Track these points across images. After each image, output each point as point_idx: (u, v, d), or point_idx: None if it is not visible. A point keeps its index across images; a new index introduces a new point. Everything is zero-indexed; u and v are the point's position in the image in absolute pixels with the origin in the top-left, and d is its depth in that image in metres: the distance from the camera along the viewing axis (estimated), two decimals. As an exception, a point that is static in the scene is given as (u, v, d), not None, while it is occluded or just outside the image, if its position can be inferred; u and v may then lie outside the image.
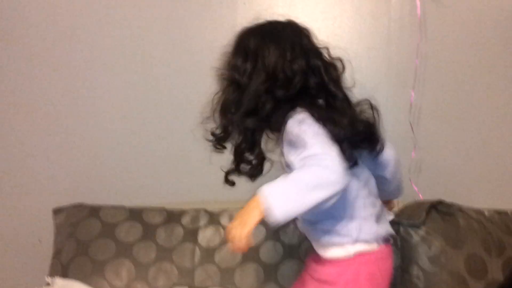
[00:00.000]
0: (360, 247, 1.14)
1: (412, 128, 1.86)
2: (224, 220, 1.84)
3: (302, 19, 1.85)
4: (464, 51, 1.87)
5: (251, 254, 1.75)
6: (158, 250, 1.79)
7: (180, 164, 2.01)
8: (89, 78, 1.97)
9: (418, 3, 1.81)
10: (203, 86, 1.87)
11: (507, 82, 1.87)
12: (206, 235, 1.82)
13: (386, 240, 1.22)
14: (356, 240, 1.13)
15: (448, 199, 1.84)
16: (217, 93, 1.21)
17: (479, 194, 1.94)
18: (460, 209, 1.80)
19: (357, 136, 1.12)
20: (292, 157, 1.07)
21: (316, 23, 1.86)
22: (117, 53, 1.94)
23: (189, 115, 1.92)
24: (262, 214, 1.02)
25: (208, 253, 1.78)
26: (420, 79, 1.87)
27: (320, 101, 1.15)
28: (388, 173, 1.34)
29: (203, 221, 1.85)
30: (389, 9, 1.85)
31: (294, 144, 1.07)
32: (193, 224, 1.84)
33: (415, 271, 1.69)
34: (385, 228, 1.23)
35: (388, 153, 1.30)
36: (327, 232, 1.15)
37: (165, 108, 1.97)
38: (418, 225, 1.72)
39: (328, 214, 1.12)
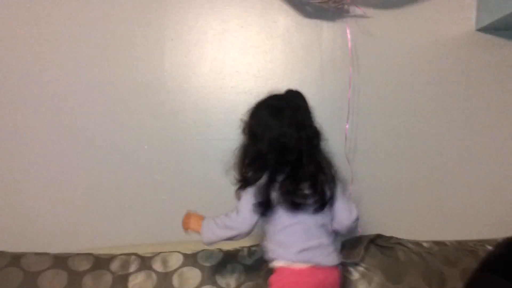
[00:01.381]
0: (283, 263, 1.46)
1: (348, 161, 1.84)
2: (156, 265, 1.73)
3: (232, 54, 1.86)
4: (396, 82, 1.87)
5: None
6: (85, 300, 1.66)
7: (110, 205, 1.90)
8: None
9: (348, 35, 1.81)
10: (129, 125, 1.87)
11: (440, 113, 1.88)
12: (137, 282, 1.70)
13: (315, 263, 1.45)
14: (279, 257, 1.47)
15: (387, 232, 1.81)
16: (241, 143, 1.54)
17: (417, 226, 1.91)
18: (399, 242, 1.78)
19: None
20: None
21: (247, 58, 1.86)
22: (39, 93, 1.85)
23: (116, 153, 1.88)
24: (198, 232, 1.53)
25: (140, 301, 1.67)
26: (354, 112, 1.86)
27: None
28: (337, 225, 1.53)
29: (133, 266, 1.73)
30: (320, 42, 1.84)
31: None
32: (123, 270, 1.72)
33: (354, 309, 1.64)
34: (314, 256, 1.45)
35: (340, 217, 1.52)
36: (267, 248, 1.51)
37: (92, 144, 1.87)
38: (357, 262, 1.69)
39: (267, 238, 1.51)
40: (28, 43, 1.83)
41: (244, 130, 1.53)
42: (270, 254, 1.50)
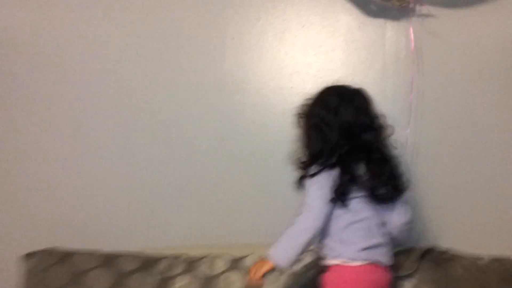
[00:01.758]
0: (340, 261, 1.41)
1: (408, 166, 1.73)
2: (202, 267, 1.71)
3: (292, 54, 1.82)
4: (461, 85, 1.78)
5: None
6: (130, 299, 1.63)
7: (165, 205, 1.89)
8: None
9: (412, 36, 1.74)
10: (187, 124, 1.86)
11: (508, 118, 1.76)
12: (182, 284, 1.68)
13: (374, 261, 1.42)
14: (340, 255, 1.41)
15: (444, 244, 1.71)
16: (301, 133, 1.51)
17: (478, 239, 1.79)
18: (455, 256, 1.67)
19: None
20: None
21: (308, 58, 1.82)
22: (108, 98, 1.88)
23: (173, 153, 1.86)
24: (272, 266, 1.41)
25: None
26: (416, 115, 1.77)
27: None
28: (390, 225, 1.49)
29: (180, 268, 1.71)
30: (383, 42, 1.79)
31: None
32: (170, 272, 1.71)
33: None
34: (375, 254, 1.42)
35: (396, 218, 1.48)
36: (326, 247, 1.45)
37: (150, 143, 1.87)
38: (409, 274, 1.61)
39: (327, 236, 1.43)
40: (92, 44, 1.87)
41: (307, 118, 1.48)
42: (330, 252, 1.44)
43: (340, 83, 1.52)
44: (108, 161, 1.89)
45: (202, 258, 1.72)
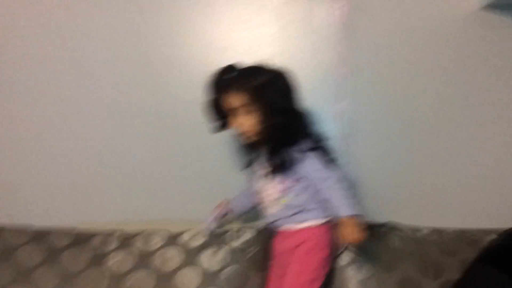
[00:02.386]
0: (324, 220, 1.51)
1: (343, 143, 1.75)
2: (138, 243, 1.67)
3: (222, 28, 1.79)
4: (394, 62, 1.75)
5: (165, 281, 1.59)
6: (62, 276, 1.61)
7: (94, 182, 1.83)
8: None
9: (340, 10, 1.73)
10: (123, 99, 1.79)
11: (441, 96, 1.78)
12: (117, 260, 1.64)
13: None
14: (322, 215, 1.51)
15: (383, 218, 1.72)
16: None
17: (417, 213, 1.80)
18: (395, 228, 1.68)
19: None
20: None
21: (238, 33, 1.77)
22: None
23: (104, 132, 1.82)
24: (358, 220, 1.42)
25: (118, 279, 1.60)
26: (350, 92, 1.77)
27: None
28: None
29: (114, 244, 1.67)
30: (312, 17, 1.73)
31: None
32: (103, 247, 1.67)
33: (343, 295, 1.55)
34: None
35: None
36: (308, 211, 1.51)
37: (80, 120, 1.80)
38: (347, 247, 1.61)
39: (312, 200, 1.50)
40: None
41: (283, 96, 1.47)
42: (318, 213, 1.51)
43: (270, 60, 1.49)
44: (39, 135, 1.81)
45: (137, 234, 1.68)
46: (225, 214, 1.69)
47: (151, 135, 1.81)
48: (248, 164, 1.61)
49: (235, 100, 1.44)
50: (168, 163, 1.82)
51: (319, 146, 1.50)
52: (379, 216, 1.73)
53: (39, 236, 1.69)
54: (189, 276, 1.60)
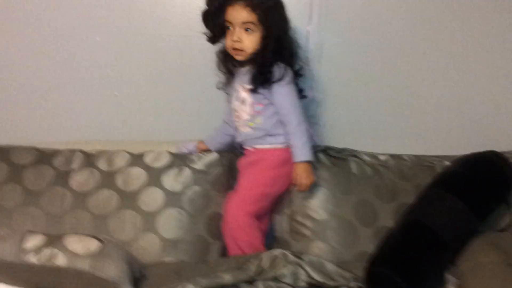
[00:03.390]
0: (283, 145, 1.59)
1: (310, 64, 1.73)
2: (100, 163, 1.66)
3: None
4: None
5: (128, 200, 1.60)
6: (24, 193, 1.61)
7: (56, 100, 1.80)
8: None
9: None
10: (79, 15, 1.71)
11: (409, 17, 1.75)
12: (80, 178, 1.64)
13: None
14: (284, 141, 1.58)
15: (343, 144, 1.75)
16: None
17: (375, 140, 1.85)
18: (352, 154, 1.72)
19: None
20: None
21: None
22: None
23: (66, 44, 1.75)
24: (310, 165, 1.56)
25: (81, 198, 1.61)
26: (317, 12, 1.72)
27: None
28: None
29: (77, 163, 1.66)
30: None
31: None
32: (66, 166, 1.66)
33: (301, 218, 1.60)
34: None
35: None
36: (272, 135, 1.59)
37: (40, 33, 1.74)
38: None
39: (278, 126, 1.58)
40: None
41: (271, 20, 1.50)
42: (282, 139, 1.59)
43: None
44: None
45: (99, 153, 1.68)
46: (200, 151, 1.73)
47: (113, 52, 1.78)
48: (225, 84, 1.65)
49: (242, 14, 1.47)
50: (131, 83, 1.79)
51: (297, 75, 1.59)
52: (338, 143, 1.75)
53: (1, 153, 1.67)
54: (152, 196, 1.61)
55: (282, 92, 1.53)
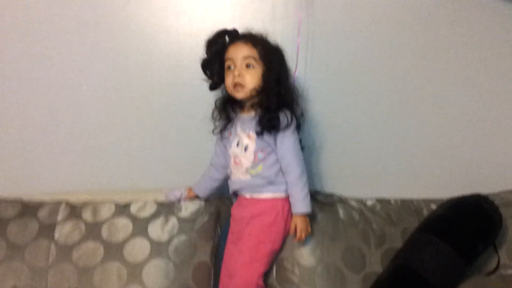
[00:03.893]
0: (285, 194, 1.57)
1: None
2: (86, 214, 1.65)
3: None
4: (349, 30, 1.76)
5: (114, 251, 1.59)
6: (8, 247, 1.58)
7: (40, 152, 1.80)
8: None
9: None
10: (74, 66, 1.72)
11: (400, 60, 1.78)
12: (65, 231, 1.62)
13: None
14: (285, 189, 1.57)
15: (329, 189, 1.75)
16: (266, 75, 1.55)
17: (362, 184, 1.86)
18: (340, 199, 1.72)
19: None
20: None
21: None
22: None
23: (51, 97, 1.76)
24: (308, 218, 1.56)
25: (65, 251, 1.59)
26: (303, 58, 1.75)
27: None
28: None
29: (62, 215, 1.65)
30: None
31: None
32: (51, 218, 1.64)
33: (289, 265, 1.59)
34: None
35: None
36: (274, 184, 1.56)
37: (26, 86, 1.75)
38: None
39: (279, 175, 1.57)
40: None
41: (273, 62, 1.52)
42: (283, 187, 1.58)
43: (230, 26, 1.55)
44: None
45: (85, 204, 1.67)
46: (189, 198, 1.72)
47: (98, 102, 1.78)
48: (221, 129, 1.64)
49: (244, 50, 1.50)
50: (115, 131, 1.80)
51: (299, 124, 1.59)
52: (325, 187, 1.76)
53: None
54: (138, 247, 1.59)
55: (287, 141, 1.53)
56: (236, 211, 1.64)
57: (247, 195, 1.60)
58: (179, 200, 1.70)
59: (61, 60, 1.74)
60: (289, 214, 1.58)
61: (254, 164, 1.55)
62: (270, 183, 1.56)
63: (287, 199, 1.57)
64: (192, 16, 1.74)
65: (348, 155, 1.85)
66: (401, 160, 1.86)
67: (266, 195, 1.57)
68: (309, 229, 1.55)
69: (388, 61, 1.78)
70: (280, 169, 1.56)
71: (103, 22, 1.73)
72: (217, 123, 1.64)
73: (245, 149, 1.56)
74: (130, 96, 1.77)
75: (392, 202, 1.75)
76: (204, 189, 1.71)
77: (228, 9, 1.74)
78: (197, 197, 1.72)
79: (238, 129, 1.58)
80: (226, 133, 1.63)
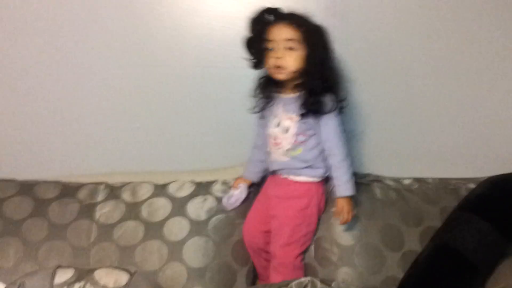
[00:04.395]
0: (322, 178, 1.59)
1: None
2: (125, 195, 1.68)
3: None
4: (380, 9, 1.71)
5: (154, 230, 1.61)
6: (50, 227, 1.62)
7: (82, 133, 1.82)
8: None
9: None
10: (107, 49, 1.74)
11: (431, 43, 1.75)
12: (105, 211, 1.65)
13: None
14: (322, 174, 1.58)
15: (366, 170, 1.75)
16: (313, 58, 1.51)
17: (399, 163, 1.83)
18: (377, 179, 1.72)
19: None
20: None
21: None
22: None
23: (88, 78, 1.78)
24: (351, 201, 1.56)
25: (106, 230, 1.62)
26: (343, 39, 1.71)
27: None
28: None
29: (101, 195, 1.68)
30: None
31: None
32: (91, 199, 1.68)
33: (328, 244, 1.59)
34: None
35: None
36: (312, 167, 1.56)
37: (65, 69, 1.77)
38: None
39: (318, 158, 1.56)
40: None
41: (321, 46, 1.50)
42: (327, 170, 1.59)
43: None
44: (21, 86, 1.77)
45: (124, 185, 1.70)
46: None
47: (135, 83, 1.79)
48: (261, 108, 1.62)
49: (286, 32, 1.47)
50: (153, 113, 1.81)
51: (342, 107, 1.56)
52: (363, 167, 1.75)
53: (25, 188, 1.69)
54: (177, 226, 1.62)
55: (331, 124, 1.52)
56: (271, 188, 1.64)
57: (284, 176, 1.61)
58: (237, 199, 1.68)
59: (101, 40, 1.75)
60: (323, 197, 1.60)
61: (294, 146, 1.55)
62: (308, 166, 1.56)
63: (322, 182, 1.59)
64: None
65: (385, 136, 1.82)
66: (438, 139, 1.82)
67: (303, 178, 1.58)
68: (354, 211, 1.56)
69: (427, 39, 1.75)
70: (319, 153, 1.56)
71: (130, 8, 1.73)
72: (257, 102, 1.62)
73: (286, 130, 1.55)
74: (166, 77, 1.77)
75: (430, 181, 1.73)
76: (256, 173, 1.71)
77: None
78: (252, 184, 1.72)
79: (280, 109, 1.57)
80: (266, 113, 1.61)
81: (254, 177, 1.71)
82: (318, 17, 1.52)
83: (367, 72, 1.76)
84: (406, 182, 1.72)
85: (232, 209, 1.66)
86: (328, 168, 1.57)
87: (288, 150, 1.56)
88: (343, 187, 1.53)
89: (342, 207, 1.53)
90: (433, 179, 1.74)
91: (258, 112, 1.63)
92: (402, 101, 1.80)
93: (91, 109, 1.80)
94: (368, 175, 1.72)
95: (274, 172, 1.65)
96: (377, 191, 1.69)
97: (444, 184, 1.72)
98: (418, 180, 1.73)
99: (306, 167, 1.56)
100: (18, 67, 1.75)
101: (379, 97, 1.79)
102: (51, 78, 1.77)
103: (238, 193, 1.66)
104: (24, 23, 1.71)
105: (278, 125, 1.57)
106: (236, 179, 1.71)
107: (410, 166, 1.82)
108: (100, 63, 1.76)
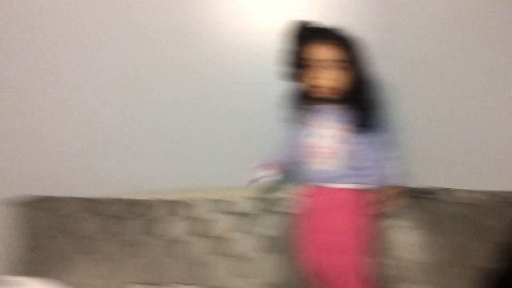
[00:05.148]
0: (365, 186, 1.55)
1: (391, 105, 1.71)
2: (186, 210, 1.72)
3: None
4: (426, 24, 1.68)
5: (220, 246, 1.66)
6: (119, 243, 1.71)
7: (135, 152, 1.89)
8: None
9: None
10: (164, 68, 1.80)
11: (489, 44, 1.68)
12: (168, 226, 1.71)
13: None
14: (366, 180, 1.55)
15: (432, 182, 1.70)
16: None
17: (466, 175, 1.75)
18: (443, 193, 1.67)
19: None
20: None
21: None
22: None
23: (146, 98, 1.83)
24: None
25: (173, 245, 1.68)
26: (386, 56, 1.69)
27: None
28: None
29: (163, 211, 1.74)
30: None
31: None
32: (152, 214, 1.73)
33: (392, 259, 1.59)
34: None
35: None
36: (354, 176, 1.54)
37: (123, 90, 1.84)
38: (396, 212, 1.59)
39: (361, 165, 1.54)
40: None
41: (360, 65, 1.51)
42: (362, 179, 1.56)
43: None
44: (85, 108, 1.86)
45: (184, 201, 1.73)
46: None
47: (192, 103, 1.82)
48: (298, 118, 1.61)
49: (330, 52, 1.46)
50: (211, 132, 1.85)
51: (385, 121, 1.57)
52: (428, 180, 1.71)
53: (92, 205, 1.77)
54: (243, 242, 1.65)
55: (374, 140, 1.53)
56: (312, 200, 1.60)
57: (324, 185, 1.58)
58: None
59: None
60: (368, 204, 1.55)
61: (335, 156, 1.53)
62: (349, 175, 1.54)
63: (364, 190, 1.55)
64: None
65: (439, 149, 1.77)
66: (493, 152, 1.76)
67: (345, 185, 1.55)
68: (403, 202, 1.54)
69: (475, 51, 1.69)
70: (360, 162, 1.53)
71: (174, 24, 1.78)
72: (293, 113, 1.61)
73: (327, 139, 1.53)
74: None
75: (497, 194, 1.68)
76: (284, 163, 1.67)
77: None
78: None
79: (320, 119, 1.56)
80: (303, 123, 1.59)
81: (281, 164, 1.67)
82: (360, 32, 1.50)
83: (415, 84, 1.74)
84: (473, 195, 1.66)
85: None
86: (378, 176, 1.55)
87: (330, 157, 1.53)
88: (392, 175, 1.54)
89: (391, 194, 1.53)
90: (499, 192, 1.68)
91: (294, 122, 1.61)
92: (455, 115, 1.75)
93: (147, 129, 1.86)
94: (434, 188, 1.68)
95: (310, 183, 1.61)
96: (443, 205, 1.63)
97: (502, 198, 1.63)
98: (483, 193, 1.66)
99: (346, 176, 1.54)
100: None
101: (433, 108, 1.76)
102: (110, 99, 1.85)
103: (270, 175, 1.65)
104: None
105: (319, 134, 1.55)
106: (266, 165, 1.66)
107: (463, 178, 1.75)
108: (157, 80, 1.82)
